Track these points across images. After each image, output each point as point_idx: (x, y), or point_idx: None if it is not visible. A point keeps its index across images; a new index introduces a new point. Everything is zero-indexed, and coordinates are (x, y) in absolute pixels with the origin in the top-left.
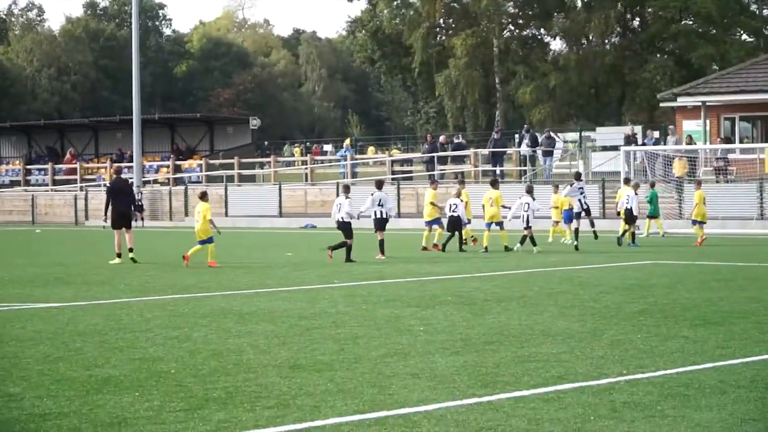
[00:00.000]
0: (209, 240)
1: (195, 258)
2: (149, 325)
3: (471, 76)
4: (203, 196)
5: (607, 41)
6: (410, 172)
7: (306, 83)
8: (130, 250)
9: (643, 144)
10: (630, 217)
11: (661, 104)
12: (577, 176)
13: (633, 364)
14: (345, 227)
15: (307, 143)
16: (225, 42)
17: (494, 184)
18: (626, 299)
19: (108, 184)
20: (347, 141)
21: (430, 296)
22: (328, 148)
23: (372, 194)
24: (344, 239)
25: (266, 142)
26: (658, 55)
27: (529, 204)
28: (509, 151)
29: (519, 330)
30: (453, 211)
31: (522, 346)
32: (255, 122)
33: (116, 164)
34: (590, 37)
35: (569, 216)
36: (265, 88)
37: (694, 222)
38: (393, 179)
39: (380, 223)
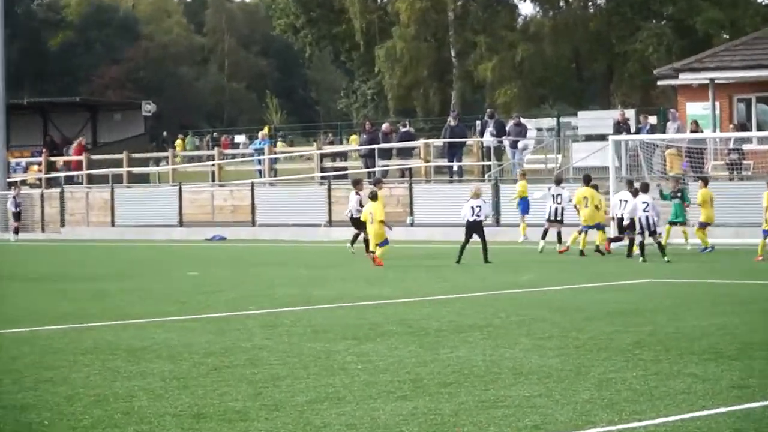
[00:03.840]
0: (385, 242)
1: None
2: (16, 365)
3: (420, 49)
4: (374, 197)
5: (590, 3)
6: (344, 169)
7: (213, 58)
8: None
9: (637, 132)
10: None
11: (659, 82)
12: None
13: (627, 409)
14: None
15: (215, 133)
16: (110, 7)
17: (587, 180)
18: (618, 328)
19: None
20: (264, 130)
21: (370, 325)
22: (240, 139)
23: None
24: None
25: (164, 133)
26: (654, 21)
27: (560, 195)
28: (469, 141)
29: (483, 368)
30: (477, 215)
31: (487, 388)
32: (149, 108)
33: None
34: None
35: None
36: (161, 66)
37: (702, 225)
38: (323, 178)
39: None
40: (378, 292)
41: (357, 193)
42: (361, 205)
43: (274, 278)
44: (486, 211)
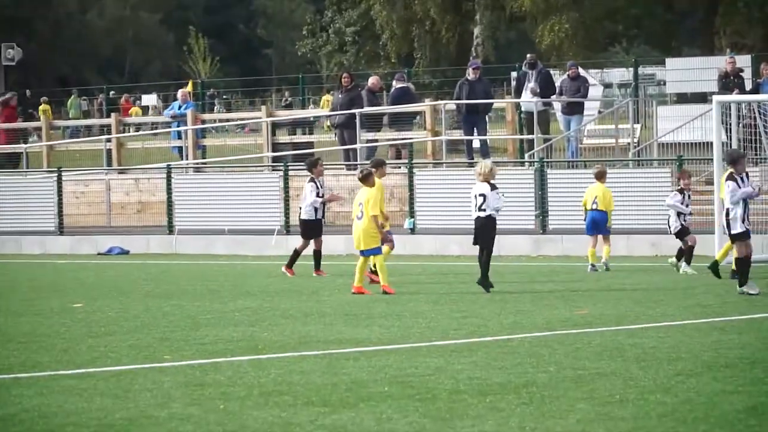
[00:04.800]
0: (378, 250)
1: None
2: None
3: None
4: (366, 178)
5: None
6: (309, 145)
7: None
8: None
9: (756, 90)
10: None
11: None
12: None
13: None
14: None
15: (111, 92)
16: None
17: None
18: (725, 386)
19: None
20: (187, 88)
21: (348, 385)
22: (150, 101)
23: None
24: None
25: (26, 92)
26: None
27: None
28: (499, 104)
29: None
30: (481, 209)
31: None
32: (11, 53)
33: None
34: None
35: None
36: None
37: None
38: (276, 160)
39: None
40: (361, 334)
41: (313, 180)
42: (320, 196)
43: (200, 313)
44: (494, 202)
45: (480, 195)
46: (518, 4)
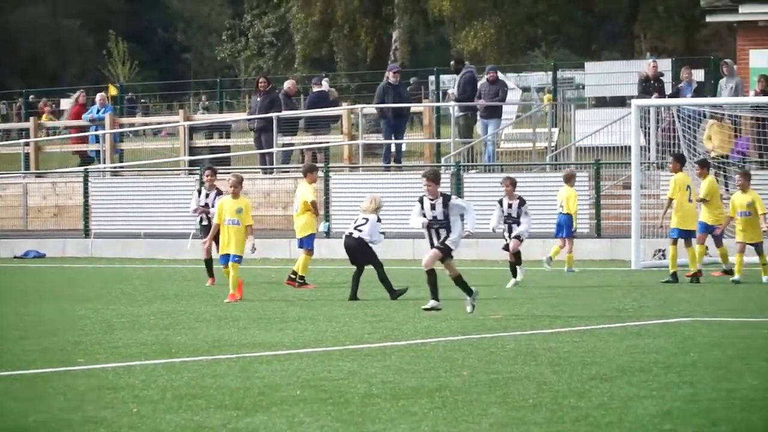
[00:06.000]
0: (309, 241)
1: None
2: None
3: None
4: (309, 171)
5: None
6: (227, 149)
7: None
8: None
9: (675, 94)
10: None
11: (708, 18)
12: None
13: None
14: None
15: (30, 96)
16: None
17: (569, 178)
18: (639, 391)
19: None
20: (108, 92)
21: (261, 389)
22: (68, 104)
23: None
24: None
25: None
26: None
27: None
28: (418, 107)
29: None
30: (357, 228)
31: None
32: None
33: None
34: None
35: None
36: None
37: (705, 229)
38: (193, 164)
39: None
40: (274, 337)
41: (207, 189)
42: (208, 206)
43: (115, 317)
44: (372, 232)
45: (364, 218)
46: (438, 9)
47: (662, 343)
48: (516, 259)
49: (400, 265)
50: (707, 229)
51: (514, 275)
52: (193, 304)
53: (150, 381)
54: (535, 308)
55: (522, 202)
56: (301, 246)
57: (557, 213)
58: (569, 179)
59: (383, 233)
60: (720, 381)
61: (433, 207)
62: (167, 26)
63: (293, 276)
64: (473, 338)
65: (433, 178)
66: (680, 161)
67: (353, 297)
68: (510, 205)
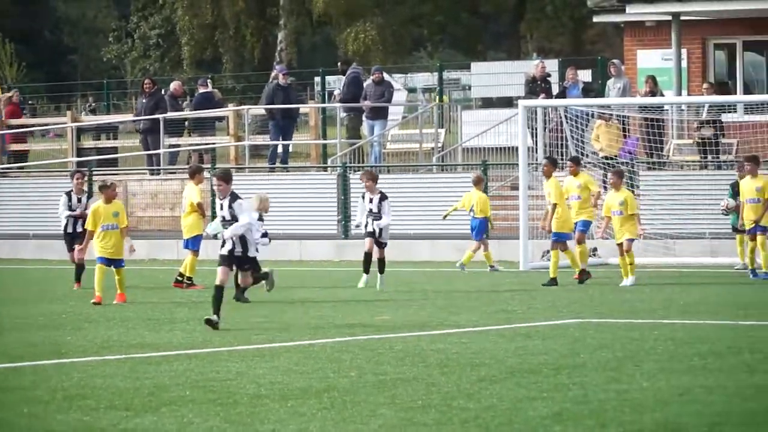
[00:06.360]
0: (196, 241)
1: None
2: None
3: None
4: (195, 173)
5: None
6: (115, 150)
7: None
8: None
9: (562, 94)
10: None
11: (595, 18)
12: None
13: None
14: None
15: None
16: None
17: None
18: (529, 392)
19: None
20: None
21: (150, 389)
22: None
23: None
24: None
25: None
26: None
27: None
28: (305, 108)
29: None
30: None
31: None
32: None
33: None
34: None
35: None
36: None
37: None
38: (81, 165)
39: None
40: (163, 338)
41: (69, 193)
42: (72, 210)
43: (4, 318)
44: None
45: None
46: (318, 9)
47: (552, 345)
48: (380, 265)
49: (287, 266)
50: (586, 225)
51: (367, 272)
52: (83, 305)
53: (40, 382)
54: (422, 309)
55: (383, 197)
56: (186, 247)
57: (470, 217)
58: (478, 183)
59: (266, 234)
60: (610, 382)
61: (221, 207)
62: (54, 28)
63: (180, 278)
64: (361, 339)
65: (223, 177)
66: (554, 164)
67: (238, 298)
68: (371, 200)
